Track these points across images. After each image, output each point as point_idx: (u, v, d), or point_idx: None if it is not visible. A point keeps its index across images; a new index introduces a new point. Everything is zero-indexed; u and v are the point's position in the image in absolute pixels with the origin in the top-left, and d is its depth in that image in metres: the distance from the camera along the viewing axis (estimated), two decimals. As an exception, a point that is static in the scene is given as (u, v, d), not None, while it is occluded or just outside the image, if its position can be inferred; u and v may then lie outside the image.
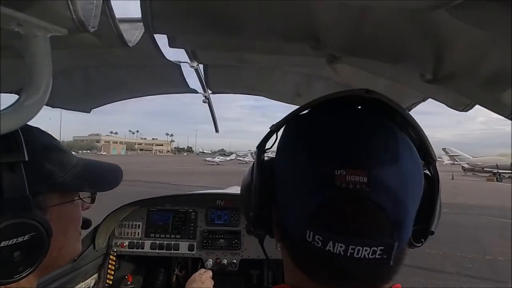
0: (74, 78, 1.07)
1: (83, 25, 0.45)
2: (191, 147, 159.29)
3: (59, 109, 1.23)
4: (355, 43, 0.61)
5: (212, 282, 1.25)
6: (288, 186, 0.39)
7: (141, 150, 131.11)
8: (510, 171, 24.77)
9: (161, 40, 0.77)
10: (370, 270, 0.35)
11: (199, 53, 0.97)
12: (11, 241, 0.44)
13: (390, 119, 0.40)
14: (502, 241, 6.19)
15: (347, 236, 0.34)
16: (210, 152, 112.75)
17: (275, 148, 0.45)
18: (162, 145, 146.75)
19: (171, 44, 0.75)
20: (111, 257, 1.64)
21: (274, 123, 0.46)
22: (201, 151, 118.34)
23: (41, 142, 0.52)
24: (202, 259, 1.69)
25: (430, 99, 0.85)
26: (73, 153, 0.63)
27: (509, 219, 8.09)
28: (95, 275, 1.57)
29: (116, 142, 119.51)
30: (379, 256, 0.33)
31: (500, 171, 25.31)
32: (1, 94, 0.91)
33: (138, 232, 1.71)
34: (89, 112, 1.37)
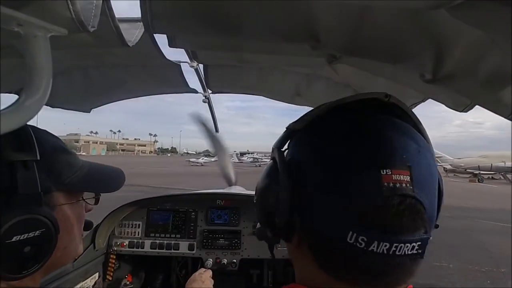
0: (74, 78, 1.07)
1: (83, 25, 0.45)
2: (175, 148, 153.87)
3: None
4: (355, 43, 0.61)
5: (212, 282, 1.25)
6: (325, 189, 0.37)
7: (122, 150, 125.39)
8: (491, 172, 25.99)
9: (161, 40, 0.77)
10: (407, 265, 0.36)
11: (199, 53, 0.97)
12: (23, 236, 0.45)
13: (406, 122, 0.42)
14: (508, 247, 5.78)
15: (392, 234, 0.34)
16: (195, 152, 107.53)
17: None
18: (145, 145, 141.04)
19: (171, 44, 0.75)
20: (111, 256, 1.64)
21: (292, 123, 0.45)
22: (186, 151, 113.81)
23: (51, 143, 0.54)
24: (202, 259, 1.69)
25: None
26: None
27: (506, 223, 7.95)
28: (95, 275, 1.57)
29: (96, 142, 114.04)
30: (415, 251, 0.35)
31: (481, 172, 26.10)
32: (1, 94, 0.91)
33: (138, 232, 1.71)
34: (89, 112, 1.37)
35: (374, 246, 0.34)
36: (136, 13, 0.59)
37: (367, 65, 0.72)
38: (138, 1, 0.53)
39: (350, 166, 0.36)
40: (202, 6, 0.55)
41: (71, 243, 0.57)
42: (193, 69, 1.09)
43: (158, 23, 0.58)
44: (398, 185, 0.34)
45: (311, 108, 0.45)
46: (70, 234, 0.56)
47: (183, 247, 1.69)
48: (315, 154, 0.40)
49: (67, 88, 1.09)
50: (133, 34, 0.68)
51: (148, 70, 1.10)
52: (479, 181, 24.98)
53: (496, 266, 5.06)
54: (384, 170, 0.35)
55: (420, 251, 0.35)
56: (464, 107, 0.70)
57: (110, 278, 1.61)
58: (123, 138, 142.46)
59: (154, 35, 0.74)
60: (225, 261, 1.66)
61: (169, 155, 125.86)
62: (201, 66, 1.12)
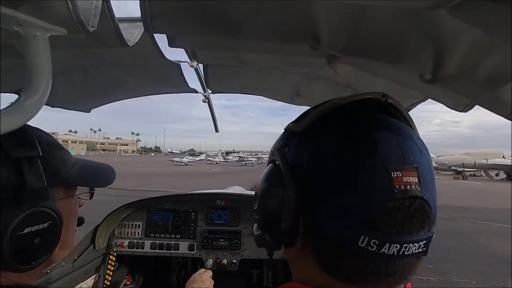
0: (74, 78, 1.07)
1: (83, 25, 0.45)
2: (159, 147, 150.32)
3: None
4: (355, 43, 0.61)
5: (212, 282, 1.25)
6: (334, 193, 0.36)
7: (103, 150, 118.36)
8: (473, 169, 27.33)
9: (161, 40, 0.77)
10: (413, 264, 0.37)
11: (199, 53, 0.97)
12: (33, 227, 0.47)
13: (402, 121, 0.43)
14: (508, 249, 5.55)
15: (403, 236, 0.35)
16: (179, 152, 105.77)
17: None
18: (127, 144, 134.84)
19: (171, 44, 0.75)
20: (111, 257, 1.64)
21: (291, 124, 0.45)
22: (170, 151, 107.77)
23: (46, 140, 0.55)
24: (202, 259, 1.69)
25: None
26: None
27: (505, 224, 7.74)
28: (95, 275, 1.57)
29: (76, 142, 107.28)
30: (421, 250, 0.36)
31: (465, 169, 27.01)
32: (1, 94, 0.92)
33: (138, 232, 1.71)
34: (89, 112, 1.37)
35: (385, 249, 0.34)
36: (136, 13, 0.59)
37: (367, 65, 0.72)
38: (138, 1, 0.53)
39: (360, 170, 0.36)
40: (202, 6, 0.55)
41: (67, 237, 0.58)
42: (193, 69, 1.09)
43: (158, 23, 0.58)
44: (408, 187, 0.34)
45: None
46: (67, 228, 0.57)
47: (183, 247, 1.69)
48: (322, 157, 0.39)
49: (67, 88, 1.09)
50: (133, 34, 0.68)
51: (148, 70, 1.10)
52: (463, 178, 25.72)
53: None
54: (395, 173, 0.35)
55: (425, 249, 0.36)
56: (463, 107, 0.70)
57: (110, 279, 1.61)
58: (104, 137, 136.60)
59: (154, 35, 0.74)
60: (225, 261, 1.66)
61: (152, 154, 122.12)
62: (201, 66, 1.12)
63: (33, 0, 0.41)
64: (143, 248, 1.68)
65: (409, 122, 0.43)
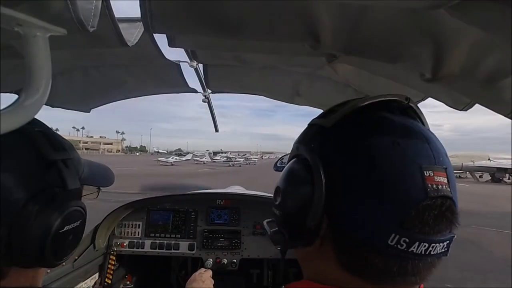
0: (74, 78, 1.07)
1: (83, 25, 0.45)
2: (144, 147, 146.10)
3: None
4: (355, 42, 0.61)
5: (212, 282, 1.25)
6: (366, 190, 0.36)
7: (86, 149, 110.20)
8: (460, 171, 27.81)
9: (161, 40, 0.77)
10: (434, 263, 0.38)
11: (199, 53, 0.97)
12: (70, 225, 0.50)
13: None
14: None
15: (432, 235, 0.35)
16: (166, 152, 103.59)
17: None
18: (111, 144, 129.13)
19: (171, 44, 0.75)
20: (111, 257, 1.64)
21: (318, 119, 0.45)
22: (156, 151, 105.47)
23: (68, 143, 0.58)
24: (202, 259, 1.69)
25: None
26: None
27: (494, 228, 7.49)
28: (95, 275, 1.57)
29: None
30: (443, 250, 0.36)
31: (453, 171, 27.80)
32: (1, 94, 0.91)
33: (138, 232, 1.71)
34: (89, 112, 1.37)
35: (414, 247, 0.34)
36: (136, 13, 0.59)
37: (367, 64, 0.72)
38: (138, 1, 0.53)
39: (395, 168, 0.36)
40: (201, 6, 0.55)
41: None
42: (192, 68, 1.09)
43: (158, 23, 0.58)
44: (440, 186, 0.35)
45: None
46: None
47: (183, 247, 1.69)
48: (354, 154, 0.38)
49: (66, 88, 1.09)
50: (132, 34, 0.68)
51: (148, 70, 1.10)
52: (450, 180, 26.48)
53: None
54: (427, 172, 0.35)
55: (446, 249, 0.37)
56: (464, 106, 0.70)
57: (110, 278, 1.61)
58: (87, 136, 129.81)
59: (154, 35, 0.74)
60: (225, 261, 1.67)
61: (138, 154, 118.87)
62: (200, 65, 1.12)
63: (33, 0, 0.41)
64: (143, 248, 1.68)
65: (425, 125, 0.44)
